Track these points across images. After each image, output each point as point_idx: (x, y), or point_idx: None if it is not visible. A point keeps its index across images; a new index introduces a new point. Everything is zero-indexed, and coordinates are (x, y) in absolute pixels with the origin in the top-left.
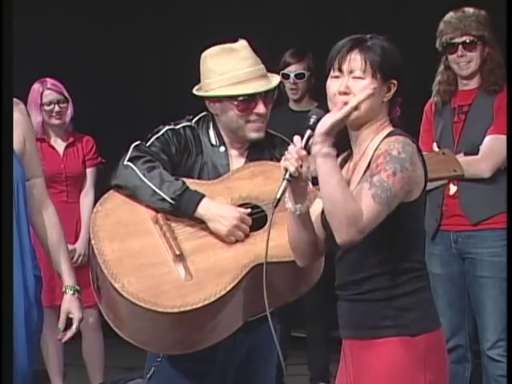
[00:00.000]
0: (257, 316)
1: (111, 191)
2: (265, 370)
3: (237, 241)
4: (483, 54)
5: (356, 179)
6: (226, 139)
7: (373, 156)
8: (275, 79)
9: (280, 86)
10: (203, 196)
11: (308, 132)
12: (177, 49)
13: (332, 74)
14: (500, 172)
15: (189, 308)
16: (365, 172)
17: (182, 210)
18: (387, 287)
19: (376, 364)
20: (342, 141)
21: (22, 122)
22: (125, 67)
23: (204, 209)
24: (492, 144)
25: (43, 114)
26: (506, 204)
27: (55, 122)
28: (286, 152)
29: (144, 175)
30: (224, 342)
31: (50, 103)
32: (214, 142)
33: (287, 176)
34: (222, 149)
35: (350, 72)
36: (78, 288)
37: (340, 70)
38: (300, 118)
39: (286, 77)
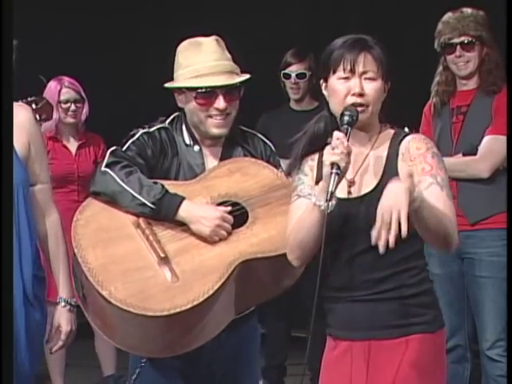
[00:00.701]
0: (243, 313)
1: (89, 199)
2: (249, 370)
3: (220, 239)
4: (481, 55)
5: (370, 178)
6: (198, 137)
7: (395, 155)
8: (239, 77)
9: (281, 85)
10: (183, 198)
11: (348, 128)
12: (174, 48)
13: (340, 74)
14: (498, 172)
15: (178, 310)
16: (385, 170)
17: (163, 213)
18: (411, 284)
19: (403, 362)
20: None
21: (27, 125)
22: (123, 62)
23: (185, 211)
24: (490, 144)
25: (59, 111)
26: (506, 204)
27: (70, 120)
28: (329, 147)
29: (122, 180)
30: (209, 341)
31: (66, 101)
32: (188, 141)
33: (336, 170)
34: (197, 148)
35: (363, 73)
36: (70, 301)
37: (352, 71)
38: (301, 117)
39: (287, 76)
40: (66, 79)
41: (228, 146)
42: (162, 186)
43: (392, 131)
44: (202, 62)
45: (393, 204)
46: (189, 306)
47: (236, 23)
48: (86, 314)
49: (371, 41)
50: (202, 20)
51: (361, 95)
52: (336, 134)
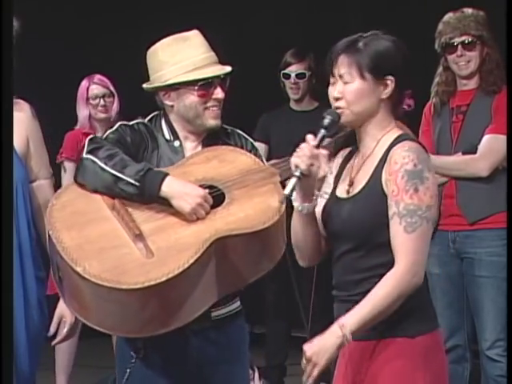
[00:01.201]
0: (226, 313)
1: (65, 185)
2: (239, 371)
3: (197, 219)
4: (482, 54)
5: (362, 179)
6: (180, 133)
7: (384, 159)
8: (228, 67)
9: (281, 85)
10: (167, 174)
11: (322, 131)
12: None
13: (330, 79)
14: (498, 172)
15: (152, 283)
16: (373, 174)
17: (147, 190)
18: None
19: (375, 366)
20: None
21: (26, 122)
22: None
23: (168, 186)
24: (490, 143)
25: (89, 108)
26: (506, 204)
27: (101, 115)
28: (297, 149)
29: (105, 164)
30: (196, 341)
31: (95, 97)
32: (167, 137)
33: (297, 173)
34: (177, 143)
35: (340, 76)
36: None
37: (333, 74)
38: (301, 117)
39: (286, 76)
40: (96, 76)
41: (208, 141)
42: (145, 164)
43: (397, 134)
44: (194, 55)
45: (317, 353)
46: (163, 278)
47: (236, 23)
48: (62, 299)
49: (361, 40)
50: (202, 20)
51: (337, 99)
52: (308, 136)
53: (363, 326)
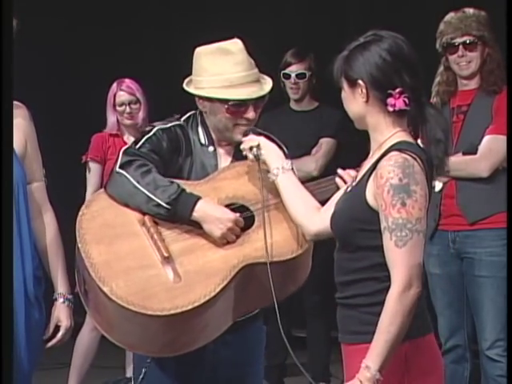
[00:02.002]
0: (245, 316)
1: (96, 193)
2: (255, 372)
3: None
4: (483, 55)
5: (358, 178)
6: (214, 138)
7: (374, 167)
8: (267, 85)
9: (281, 85)
10: (199, 198)
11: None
12: (176, 49)
13: None
14: (498, 172)
15: (178, 311)
16: (360, 179)
17: (179, 213)
18: (368, 294)
19: (356, 369)
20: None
21: (24, 125)
22: (123, 66)
23: (200, 211)
24: (490, 144)
25: (116, 114)
26: (506, 203)
27: (127, 122)
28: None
29: (138, 182)
30: (212, 342)
31: (121, 104)
32: (203, 141)
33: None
34: (211, 149)
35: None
36: (69, 297)
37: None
38: (301, 117)
39: (286, 77)
40: (126, 81)
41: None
42: (178, 185)
43: (397, 140)
44: (232, 71)
45: None
46: (189, 306)
47: (236, 23)
48: (86, 309)
49: (348, 47)
50: (202, 21)
51: None
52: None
53: (387, 357)
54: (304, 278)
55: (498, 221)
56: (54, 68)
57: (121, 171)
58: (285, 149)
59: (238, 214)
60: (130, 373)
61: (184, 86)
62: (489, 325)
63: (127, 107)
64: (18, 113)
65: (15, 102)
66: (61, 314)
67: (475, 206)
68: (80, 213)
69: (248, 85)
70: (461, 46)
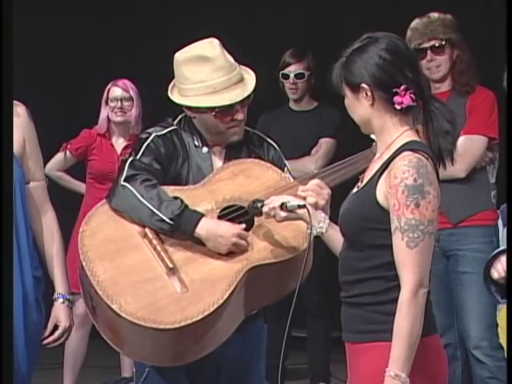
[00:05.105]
0: (249, 314)
1: (94, 208)
2: (256, 370)
3: None
4: (452, 57)
5: (365, 179)
6: (206, 138)
7: (385, 166)
8: (251, 82)
9: (280, 85)
10: (202, 216)
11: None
12: (175, 48)
13: None
14: (476, 171)
15: (189, 322)
16: (371, 178)
17: (182, 230)
18: (375, 292)
19: (362, 368)
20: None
21: (22, 124)
22: (121, 65)
23: (203, 229)
24: (465, 144)
25: (107, 110)
26: (507, 203)
27: (117, 118)
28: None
29: (142, 196)
30: None
31: (114, 99)
32: (196, 143)
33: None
34: (205, 149)
35: None
36: (68, 297)
37: None
38: (300, 117)
39: (285, 77)
40: (121, 80)
41: (232, 147)
42: (181, 200)
43: (405, 140)
44: (214, 77)
45: None
46: (200, 316)
47: (235, 23)
48: (95, 324)
49: (345, 53)
50: (202, 21)
51: None
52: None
53: (408, 359)
54: (306, 274)
55: (480, 218)
56: (53, 68)
57: (126, 184)
58: (278, 148)
59: (241, 226)
60: (125, 373)
61: (169, 93)
62: (473, 323)
63: (119, 102)
64: (16, 111)
65: (14, 101)
66: (60, 314)
67: (457, 206)
68: (80, 229)
69: (231, 88)
70: (429, 51)
